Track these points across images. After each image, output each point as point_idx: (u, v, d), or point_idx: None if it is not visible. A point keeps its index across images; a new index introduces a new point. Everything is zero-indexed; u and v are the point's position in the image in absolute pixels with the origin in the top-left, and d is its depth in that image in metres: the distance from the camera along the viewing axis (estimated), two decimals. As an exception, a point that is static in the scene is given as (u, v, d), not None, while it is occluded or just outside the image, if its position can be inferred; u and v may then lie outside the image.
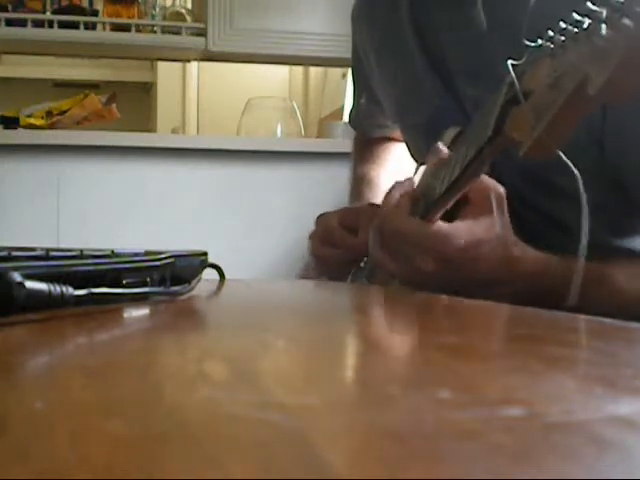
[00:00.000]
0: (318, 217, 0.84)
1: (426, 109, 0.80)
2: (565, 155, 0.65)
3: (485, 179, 0.64)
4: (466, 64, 0.74)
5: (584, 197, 0.53)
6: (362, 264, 0.83)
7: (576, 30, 0.48)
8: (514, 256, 0.64)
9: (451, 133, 0.70)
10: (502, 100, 0.56)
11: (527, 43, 0.54)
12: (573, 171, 0.52)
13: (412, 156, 0.89)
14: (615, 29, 0.46)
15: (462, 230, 0.63)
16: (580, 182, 0.52)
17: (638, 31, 0.45)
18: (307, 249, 0.84)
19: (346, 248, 0.79)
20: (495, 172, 0.73)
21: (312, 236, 0.84)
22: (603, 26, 0.46)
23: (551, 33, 0.51)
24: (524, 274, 0.64)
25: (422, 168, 0.71)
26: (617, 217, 0.74)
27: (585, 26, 0.48)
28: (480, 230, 0.63)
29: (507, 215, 0.64)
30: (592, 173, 0.68)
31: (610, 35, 0.46)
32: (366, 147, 1.06)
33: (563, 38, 0.50)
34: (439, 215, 0.65)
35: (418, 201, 0.68)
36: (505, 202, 0.64)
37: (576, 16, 0.48)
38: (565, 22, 0.50)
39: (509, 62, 0.55)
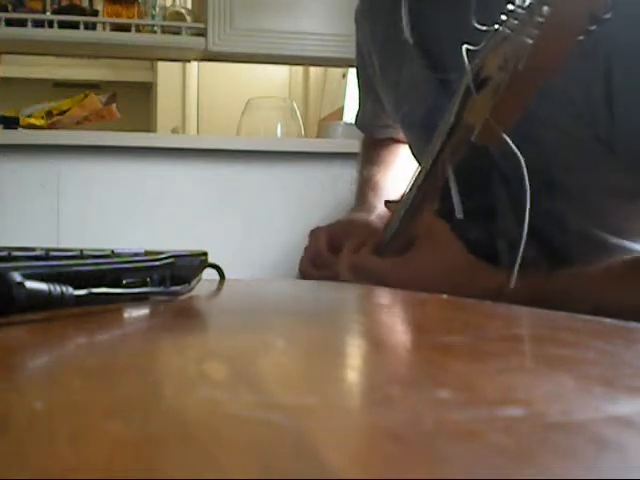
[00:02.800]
0: (311, 232, 0.86)
1: (423, 109, 0.80)
2: (567, 153, 0.65)
3: (430, 216, 0.68)
4: (462, 63, 0.74)
5: (527, 182, 0.54)
6: None
7: (522, 11, 0.49)
8: (467, 279, 0.68)
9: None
10: (463, 89, 0.56)
11: (478, 27, 0.54)
12: (518, 157, 0.52)
13: (414, 156, 0.90)
14: (550, 4, 0.46)
15: (397, 264, 0.70)
16: (524, 168, 0.53)
17: (560, 2, 0.46)
18: (300, 262, 0.86)
19: (331, 270, 0.81)
20: (498, 170, 0.73)
21: (304, 251, 0.86)
22: (544, 6, 0.47)
23: (504, 17, 0.52)
24: (490, 293, 0.67)
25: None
26: (620, 219, 0.74)
27: (527, 4, 0.49)
28: (417, 265, 0.69)
29: (454, 244, 0.68)
30: (598, 173, 0.68)
31: (547, 11, 0.47)
32: (372, 149, 1.07)
33: (516, 21, 0.50)
34: (401, 243, 0.70)
35: (380, 237, 0.73)
36: (447, 235, 0.68)
37: None
38: (513, 3, 0.50)
39: (464, 47, 0.55)
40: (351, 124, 2.36)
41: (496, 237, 0.75)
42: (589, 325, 0.39)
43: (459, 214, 0.60)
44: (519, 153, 0.52)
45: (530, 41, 0.47)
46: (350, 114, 2.78)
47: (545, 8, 0.47)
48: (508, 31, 0.51)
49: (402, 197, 0.76)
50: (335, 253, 0.84)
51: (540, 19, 0.47)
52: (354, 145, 2.05)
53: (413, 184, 0.69)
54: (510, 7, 0.51)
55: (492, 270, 0.68)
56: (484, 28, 0.54)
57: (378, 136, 1.07)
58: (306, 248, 0.86)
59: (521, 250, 0.55)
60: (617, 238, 0.73)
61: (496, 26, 0.53)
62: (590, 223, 0.73)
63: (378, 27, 0.87)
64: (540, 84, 0.51)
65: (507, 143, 0.52)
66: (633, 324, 0.36)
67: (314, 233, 0.86)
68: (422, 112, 0.81)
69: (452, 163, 0.62)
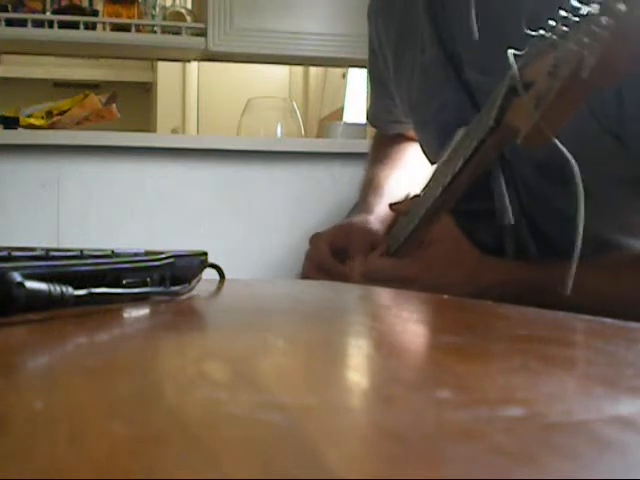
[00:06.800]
0: (312, 237, 0.86)
1: (438, 104, 0.80)
2: (578, 148, 0.65)
3: (444, 219, 0.70)
4: (480, 57, 0.74)
5: (580, 186, 0.54)
6: None
7: (577, 19, 0.49)
8: (479, 271, 0.70)
9: (462, 133, 0.70)
10: (504, 91, 0.56)
11: (529, 33, 0.54)
12: (569, 160, 0.52)
13: (425, 154, 0.89)
14: (611, 15, 0.47)
15: (408, 261, 0.72)
16: (576, 170, 0.53)
17: (629, 14, 0.46)
18: (302, 268, 0.87)
19: (337, 276, 0.82)
20: (510, 167, 0.73)
21: (306, 257, 0.86)
22: (603, 16, 0.47)
23: (553, 23, 0.52)
24: (497, 284, 0.68)
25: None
26: (629, 215, 0.74)
27: (585, 13, 0.48)
28: (427, 259, 0.71)
29: (461, 239, 0.71)
30: (607, 168, 0.68)
31: (607, 22, 0.47)
32: (381, 147, 1.07)
33: (566, 28, 0.50)
34: (418, 241, 0.73)
35: (385, 239, 0.74)
36: (454, 231, 0.71)
37: (575, 3, 0.49)
38: (566, 10, 0.50)
39: (510, 52, 0.55)
40: (351, 124, 2.38)
41: (503, 239, 0.76)
42: (589, 325, 0.39)
43: (507, 220, 0.62)
44: (570, 156, 0.52)
45: (582, 51, 0.47)
46: (350, 114, 2.78)
47: (604, 18, 0.47)
48: (555, 37, 0.51)
49: (407, 197, 0.76)
50: (337, 258, 0.84)
51: (596, 29, 0.47)
52: (354, 145, 2.06)
53: (434, 185, 0.69)
54: (563, 14, 0.51)
55: (498, 262, 0.70)
56: (533, 34, 0.54)
57: (389, 131, 1.06)
58: (307, 254, 0.86)
59: (577, 251, 0.55)
60: (624, 236, 0.73)
61: (542, 32, 0.53)
62: (598, 222, 0.73)
63: (393, 21, 0.87)
64: (595, 91, 0.51)
65: (556, 146, 0.52)
66: (633, 324, 0.36)
67: (314, 239, 0.86)
68: (436, 108, 0.81)
69: (483, 166, 0.62)
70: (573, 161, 0.52)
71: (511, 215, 0.62)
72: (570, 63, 0.49)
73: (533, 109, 0.52)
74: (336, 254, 0.84)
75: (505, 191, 0.62)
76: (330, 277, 0.83)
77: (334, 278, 0.83)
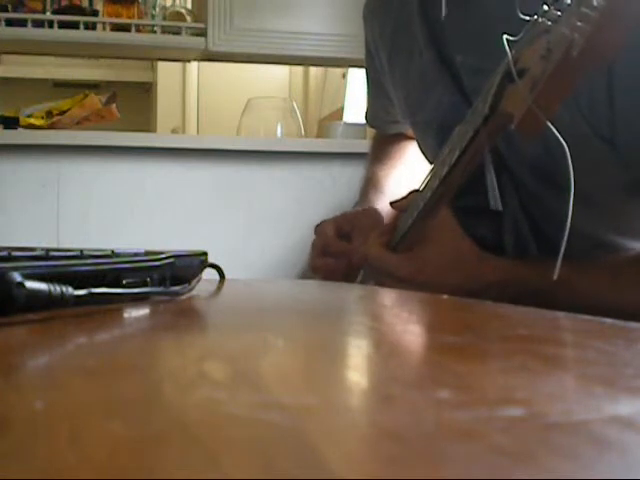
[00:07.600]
0: (316, 226, 0.87)
1: (434, 105, 0.80)
2: (570, 153, 0.65)
3: (443, 212, 0.70)
4: (474, 60, 0.74)
5: (572, 174, 0.53)
6: (362, 272, 0.85)
7: (569, 2, 0.49)
8: (479, 272, 0.69)
9: (459, 129, 0.70)
10: (499, 79, 0.56)
11: (523, 17, 0.54)
12: (562, 144, 0.52)
13: (423, 154, 0.90)
14: None
15: (406, 259, 0.71)
16: (568, 156, 0.52)
17: None
18: (308, 257, 0.87)
19: (344, 256, 0.82)
20: (506, 169, 0.73)
21: (312, 246, 0.86)
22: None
23: (546, 7, 0.52)
24: (496, 284, 0.68)
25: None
26: (625, 217, 0.74)
27: None
28: (424, 258, 0.71)
29: (460, 236, 0.70)
30: (599, 170, 0.68)
31: (597, 2, 0.46)
32: (380, 146, 1.07)
33: (559, 13, 0.50)
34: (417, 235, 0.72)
35: (394, 230, 0.75)
36: (454, 227, 0.71)
37: None
38: None
39: (504, 37, 0.55)
40: (351, 124, 2.38)
41: (503, 235, 0.75)
42: (589, 325, 0.39)
43: (496, 206, 0.61)
44: (563, 140, 0.52)
45: (573, 33, 0.47)
46: (350, 114, 2.78)
47: (595, 0, 0.47)
48: (549, 23, 0.51)
49: (409, 194, 0.76)
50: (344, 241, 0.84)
51: (587, 10, 0.47)
52: (354, 145, 2.06)
53: (431, 178, 0.69)
54: None
55: (497, 261, 0.69)
56: (527, 19, 0.54)
57: (388, 131, 1.06)
58: (313, 243, 0.87)
59: (564, 240, 0.55)
60: (621, 237, 0.73)
61: (535, 17, 0.53)
62: (595, 224, 0.73)
63: (388, 23, 0.87)
64: (588, 72, 0.51)
65: (549, 130, 0.51)
66: (633, 324, 0.36)
67: (320, 227, 0.86)
68: (435, 108, 0.80)
69: (479, 156, 0.62)
70: (564, 143, 0.52)
71: (499, 201, 0.62)
72: (562, 46, 0.48)
73: (528, 94, 0.51)
74: (341, 239, 0.85)
75: (494, 178, 0.61)
76: (335, 259, 0.83)
77: (339, 260, 0.83)
